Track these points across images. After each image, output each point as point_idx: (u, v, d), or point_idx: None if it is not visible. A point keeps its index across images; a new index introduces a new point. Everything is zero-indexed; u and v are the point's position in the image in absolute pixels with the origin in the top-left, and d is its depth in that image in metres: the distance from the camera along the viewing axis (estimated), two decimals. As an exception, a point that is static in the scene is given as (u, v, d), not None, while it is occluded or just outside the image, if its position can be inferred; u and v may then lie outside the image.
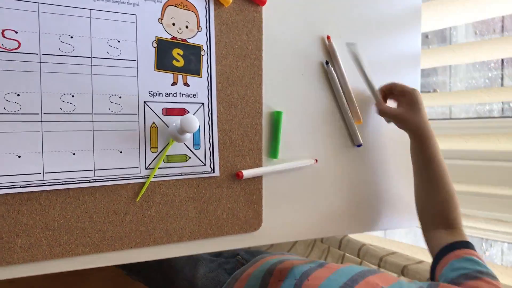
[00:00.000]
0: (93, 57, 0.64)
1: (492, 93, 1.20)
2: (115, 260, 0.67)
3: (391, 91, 0.90)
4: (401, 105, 0.88)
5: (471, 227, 1.17)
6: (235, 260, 0.98)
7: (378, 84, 0.92)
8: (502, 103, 1.46)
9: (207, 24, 0.74)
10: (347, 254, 1.33)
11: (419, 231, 0.90)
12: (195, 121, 0.65)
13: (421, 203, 0.88)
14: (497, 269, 0.78)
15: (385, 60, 0.98)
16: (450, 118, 1.58)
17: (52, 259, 0.63)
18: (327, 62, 0.88)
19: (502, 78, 1.59)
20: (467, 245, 0.77)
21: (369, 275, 0.68)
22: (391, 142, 0.99)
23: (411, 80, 1.02)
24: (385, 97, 0.92)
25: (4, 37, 0.58)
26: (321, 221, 0.90)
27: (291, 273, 0.73)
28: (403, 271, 1.15)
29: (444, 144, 1.17)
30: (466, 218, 1.18)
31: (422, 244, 0.91)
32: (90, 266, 0.65)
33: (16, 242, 0.60)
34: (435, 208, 0.84)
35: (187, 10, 0.72)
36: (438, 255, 0.79)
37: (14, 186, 0.59)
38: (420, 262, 1.15)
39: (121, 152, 0.67)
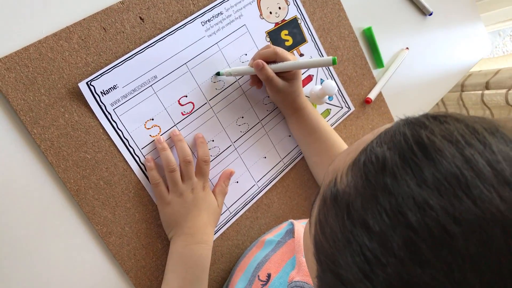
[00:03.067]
0: (238, 79, 0.74)
1: None
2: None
3: (270, 59, 0.69)
4: (281, 76, 0.71)
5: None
6: None
7: None
8: None
9: (291, -6, 0.80)
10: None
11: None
12: (332, 84, 0.77)
13: (318, 169, 0.81)
14: None
15: None
16: None
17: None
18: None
19: None
20: None
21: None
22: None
23: None
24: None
25: (181, 104, 0.68)
26: (431, 84, 1.05)
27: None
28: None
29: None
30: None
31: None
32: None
33: (266, 237, 0.77)
34: None
35: (273, -7, 0.78)
36: None
37: (246, 204, 0.75)
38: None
39: (289, 135, 0.80)
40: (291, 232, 0.67)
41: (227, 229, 0.73)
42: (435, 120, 0.31)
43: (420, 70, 1.03)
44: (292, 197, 0.80)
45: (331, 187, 0.33)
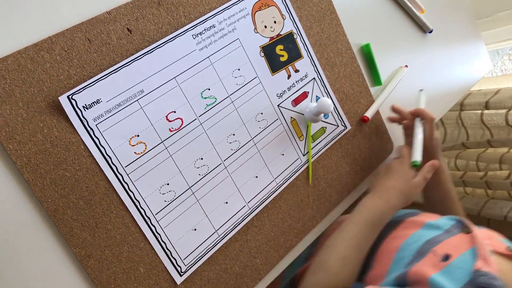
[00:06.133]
0: (230, 95, 0.71)
1: None
2: (317, 232, 0.82)
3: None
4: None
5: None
6: None
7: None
8: None
9: (287, 8, 0.78)
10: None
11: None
12: (328, 102, 0.73)
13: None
14: None
15: None
16: None
17: (281, 259, 0.77)
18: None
19: None
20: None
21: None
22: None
23: None
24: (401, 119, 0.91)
25: (169, 120, 0.65)
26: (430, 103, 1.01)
27: None
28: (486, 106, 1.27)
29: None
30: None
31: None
32: (304, 248, 0.80)
33: (256, 262, 0.73)
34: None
35: (268, 7, 0.75)
36: None
37: (235, 226, 0.71)
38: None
39: (283, 154, 0.77)
40: (459, 227, 0.68)
41: (214, 252, 0.69)
42: None
43: (419, 89, 1.00)
44: (284, 219, 0.77)
45: None
